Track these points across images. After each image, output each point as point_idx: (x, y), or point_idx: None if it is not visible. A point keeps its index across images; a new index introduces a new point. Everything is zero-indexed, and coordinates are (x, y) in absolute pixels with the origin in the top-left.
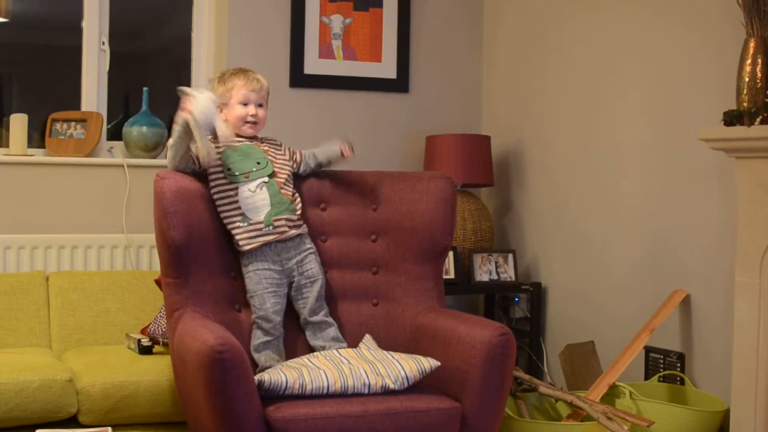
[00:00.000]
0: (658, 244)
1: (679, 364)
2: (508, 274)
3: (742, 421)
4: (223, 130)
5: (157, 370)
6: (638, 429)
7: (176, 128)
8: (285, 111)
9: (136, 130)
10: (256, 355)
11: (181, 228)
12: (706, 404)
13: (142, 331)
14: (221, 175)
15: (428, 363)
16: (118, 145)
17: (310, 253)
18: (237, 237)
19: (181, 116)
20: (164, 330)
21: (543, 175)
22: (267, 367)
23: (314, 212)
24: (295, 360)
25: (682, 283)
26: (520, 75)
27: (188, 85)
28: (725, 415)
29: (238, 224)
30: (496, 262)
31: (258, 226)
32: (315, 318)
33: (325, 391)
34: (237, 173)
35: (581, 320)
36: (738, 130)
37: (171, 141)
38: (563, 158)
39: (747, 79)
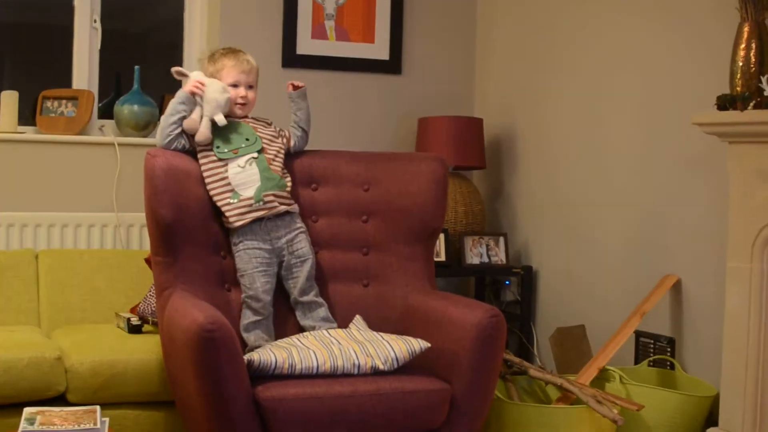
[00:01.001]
0: (649, 229)
1: (669, 349)
2: (499, 257)
3: (732, 407)
4: (221, 118)
5: (146, 349)
6: (628, 413)
7: (175, 103)
8: (277, 91)
9: (127, 108)
10: (245, 335)
11: (171, 207)
12: (696, 389)
13: (132, 310)
14: (210, 152)
15: (418, 344)
16: (109, 123)
17: (301, 232)
18: (227, 213)
19: (185, 91)
20: (154, 309)
21: (535, 159)
22: (256, 347)
23: (305, 192)
24: (285, 340)
25: (673, 268)
26: (513, 57)
27: (180, 65)
28: (715, 400)
29: (228, 201)
30: (487, 245)
31: (248, 202)
32: (305, 298)
33: (314, 371)
34: (226, 150)
35: (572, 304)
36: (731, 115)
37: (165, 116)
38: (555, 141)
39: (741, 64)
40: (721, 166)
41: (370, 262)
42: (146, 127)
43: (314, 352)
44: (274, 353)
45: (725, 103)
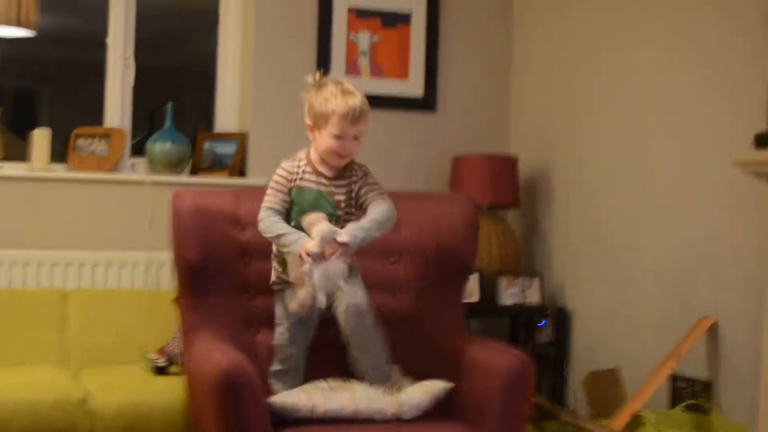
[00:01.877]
0: (686, 269)
1: (704, 393)
2: (533, 297)
3: None
4: (322, 300)
5: (171, 391)
6: None
7: (284, 247)
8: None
9: (159, 146)
10: (271, 381)
11: (198, 248)
12: None
13: (160, 351)
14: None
15: (439, 386)
16: (141, 161)
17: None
18: (275, 275)
19: (300, 254)
20: (181, 350)
21: (571, 197)
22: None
23: None
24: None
25: (709, 311)
26: (549, 94)
27: (213, 99)
28: None
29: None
30: (521, 286)
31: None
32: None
33: (336, 414)
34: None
35: (607, 345)
36: None
37: (275, 235)
38: (592, 179)
39: None
40: (762, 206)
41: (400, 304)
42: (179, 164)
43: (337, 395)
44: (296, 397)
45: (764, 140)
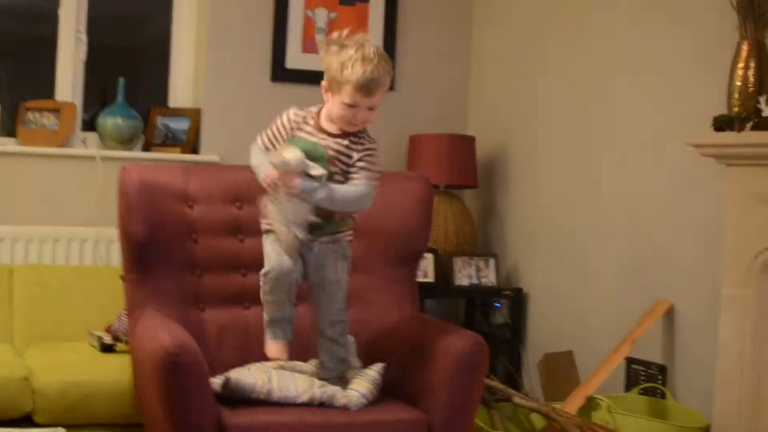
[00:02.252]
0: (643, 253)
1: (660, 377)
2: (489, 278)
3: None
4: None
5: (117, 370)
6: None
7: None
8: (265, 106)
9: (111, 121)
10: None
11: (144, 223)
12: (687, 420)
13: (107, 329)
14: None
15: (375, 372)
16: (92, 136)
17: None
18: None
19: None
20: (127, 328)
21: (528, 179)
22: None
23: None
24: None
25: (666, 293)
26: (508, 75)
27: (167, 79)
28: None
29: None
30: (477, 266)
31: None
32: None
33: (292, 401)
34: None
35: (562, 328)
36: (728, 136)
37: (252, 164)
38: (549, 162)
39: (739, 84)
40: (717, 189)
41: (351, 283)
42: (131, 140)
43: (295, 381)
44: (254, 375)
45: (722, 124)
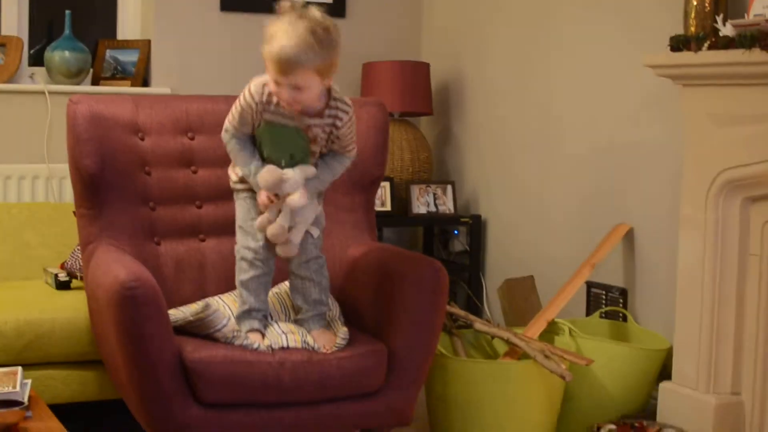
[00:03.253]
0: (601, 176)
1: (621, 300)
2: (447, 206)
3: (685, 360)
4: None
5: (74, 307)
6: (577, 368)
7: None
8: (214, 38)
9: (58, 55)
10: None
11: (94, 156)
12: (649, 342)
13: (61, 266)
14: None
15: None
16: (40, 71)
17: None
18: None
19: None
20: (82, 264)
21: (483, 105)
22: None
23: None
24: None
25: (625, 217)
26: (462, 1)
27: (115, 12)
28: (668, 354)
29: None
30: (434, 194)
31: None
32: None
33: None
34: (265, 157)
35: (522, 254)
36: (685, 56)
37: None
38: (504, 87)
39: (695, 3)
40: (674, 110)
41: None
42: (79, 73)
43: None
44: (231, 312)
45: (679, 44)
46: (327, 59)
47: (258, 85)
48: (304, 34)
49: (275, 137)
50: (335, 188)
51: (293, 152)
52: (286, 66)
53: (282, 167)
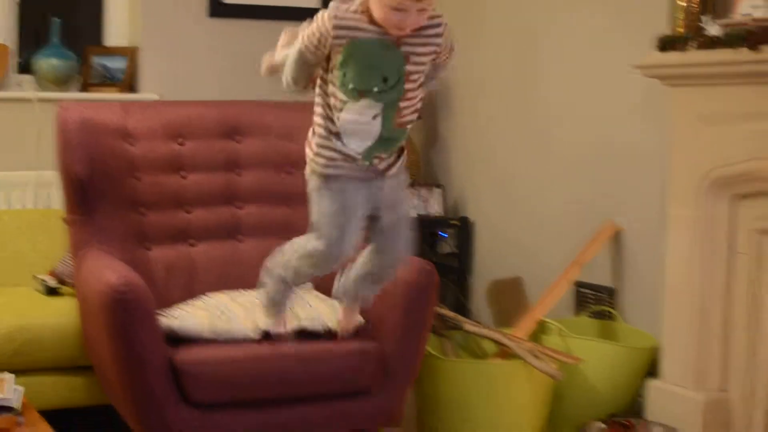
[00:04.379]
0: (589, 176)
1: (609, 300)
2: (435, 208)
3: (673, 359)
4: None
5: (63, 313)
6: (566, 367)
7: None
8: (203, 43)
9: (45, 62)
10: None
11: (84, 162)
12: (637, 341)
13: (51, 272)
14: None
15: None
16: (28, 79)
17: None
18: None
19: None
20: (72, 270)
21: (471, 106)
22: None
23: (229, 145)
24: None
25: (613, 216)
26: (450, 2)
27: (100, 16)
28: (656, 352)
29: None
30: (422, 196)
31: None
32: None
33: (238, 337)
34: (350, 86)
35: (510, 256)
36: (673, 57)
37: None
38: (492, 89)
39: (682, 3)
40: (662, 110)
41: (297, 216)
42: (67, 80)
43: (239, 318)
44: (195, 319)
45: (667, 44)
46: None
47: (337, 8)
48: None
49: (366, 58)
50: None
51: (387, 74)
52: None
53: (375, 92)
